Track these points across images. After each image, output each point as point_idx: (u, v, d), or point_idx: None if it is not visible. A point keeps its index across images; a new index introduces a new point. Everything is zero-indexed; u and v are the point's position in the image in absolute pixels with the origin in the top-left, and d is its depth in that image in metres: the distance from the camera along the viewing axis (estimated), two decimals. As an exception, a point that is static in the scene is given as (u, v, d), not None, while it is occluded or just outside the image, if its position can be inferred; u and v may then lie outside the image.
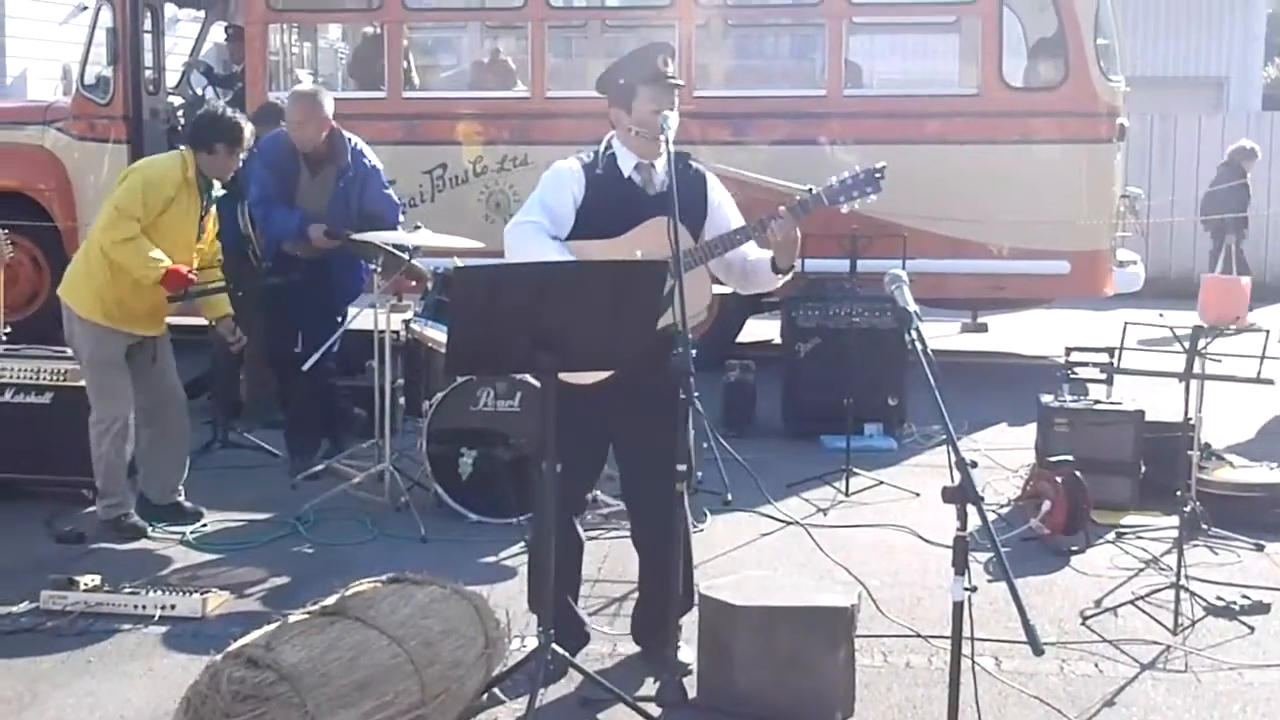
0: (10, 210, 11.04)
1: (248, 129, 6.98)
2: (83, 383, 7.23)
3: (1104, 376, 7.90)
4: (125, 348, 6.90)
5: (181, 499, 7.18)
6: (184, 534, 6.91)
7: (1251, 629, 5.72)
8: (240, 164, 7.17)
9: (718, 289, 5.45)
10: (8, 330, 7.81)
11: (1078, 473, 6.85)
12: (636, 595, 5.46)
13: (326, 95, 7.98)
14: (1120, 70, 11.32)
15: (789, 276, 5.16)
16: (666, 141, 4.88)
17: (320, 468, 7.79)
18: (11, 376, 7.40)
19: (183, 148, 7.04)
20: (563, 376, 4.77)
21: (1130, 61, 13.36)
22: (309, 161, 7.94)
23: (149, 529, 6.90)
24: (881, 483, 7.94)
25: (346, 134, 7.98)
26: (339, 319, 7.94)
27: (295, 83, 12.56)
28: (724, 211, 5.20)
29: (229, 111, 7.09)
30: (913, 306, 4.30)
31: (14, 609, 5.78)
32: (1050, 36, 11.18)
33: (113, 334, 6.85)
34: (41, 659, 5.32)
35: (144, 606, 5.73)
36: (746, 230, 5.04)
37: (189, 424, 7.29)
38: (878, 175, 5.00)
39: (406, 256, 7.52)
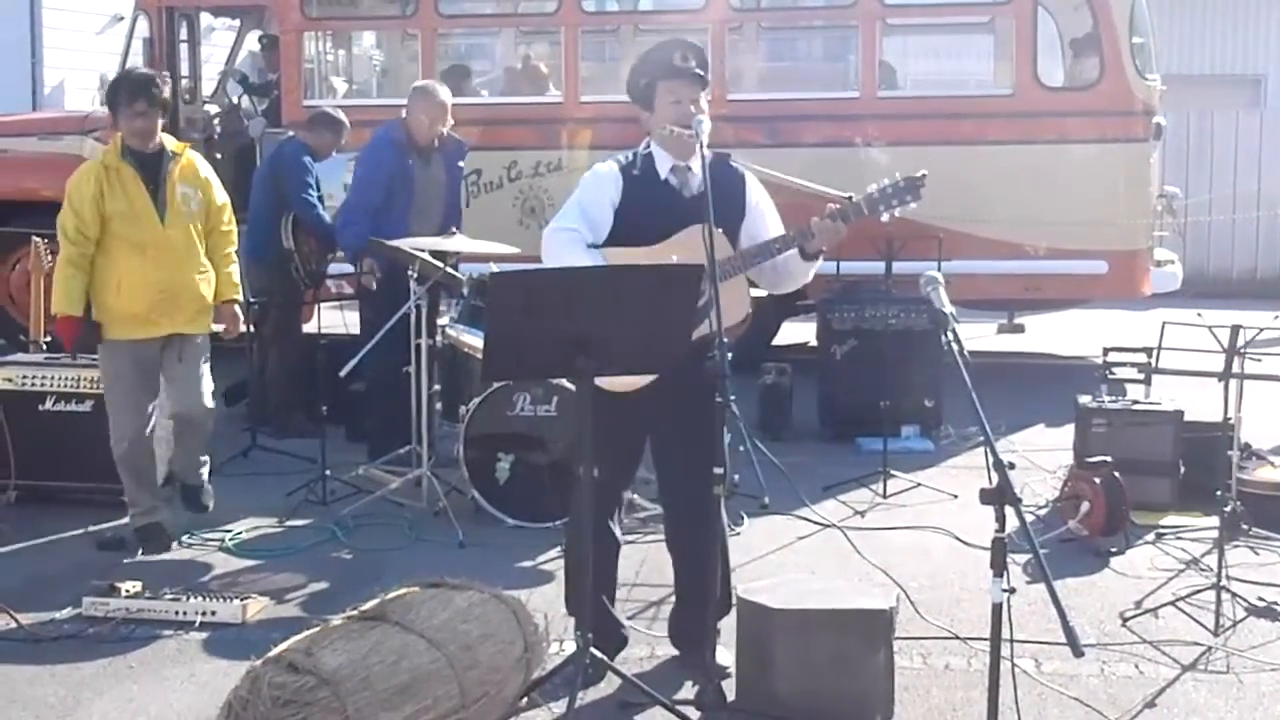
0: (49, 220, 11.07)
1: (144, 87, 6.63)
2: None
3: (1142, 376, 7.87)
4: (138, 360, 6.72)
5: (204, 484, 7.17)
6: (223, 540, 6.95)
7: (1293, 629, 5.69)
8: (148, 122, 6.67)
9: (753, 293, 5.45)
10: (47, 339, 7.87)
11: (1116, 473, 6.82)
12: (674, 599, 5.47)
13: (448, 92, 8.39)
14: (1156, 69, 11.26)
15: (819, 262, 5.13)
16: (701, 145, 4.87)
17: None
18: (52, 385, 7.46)
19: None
20: (600, 382, 4.79)
21: (1166, 60, 13.30)
22: (419, 152, 8.27)
23: (177, 540, 6.92)
24: (919, 485, 7.93)
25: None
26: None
27: (330, 91, 12.66)
28: (761, 213, 5.18)
29: (133, 70, 7.00)
30: (949, 308, 4.29)
31: (57, 615, 5.83)
32: (1085, 36, 11.14)
33: (114, 345, 6.71)
34: (84, 665, 5.37)
35: (185, 612, 5.78)
36: (786, 239, 5.01)
37: (206, 435, 7.14)
38: (918, 183, 4.96)
39: (442, 264, 7.56)
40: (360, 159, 8.59)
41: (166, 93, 6.73)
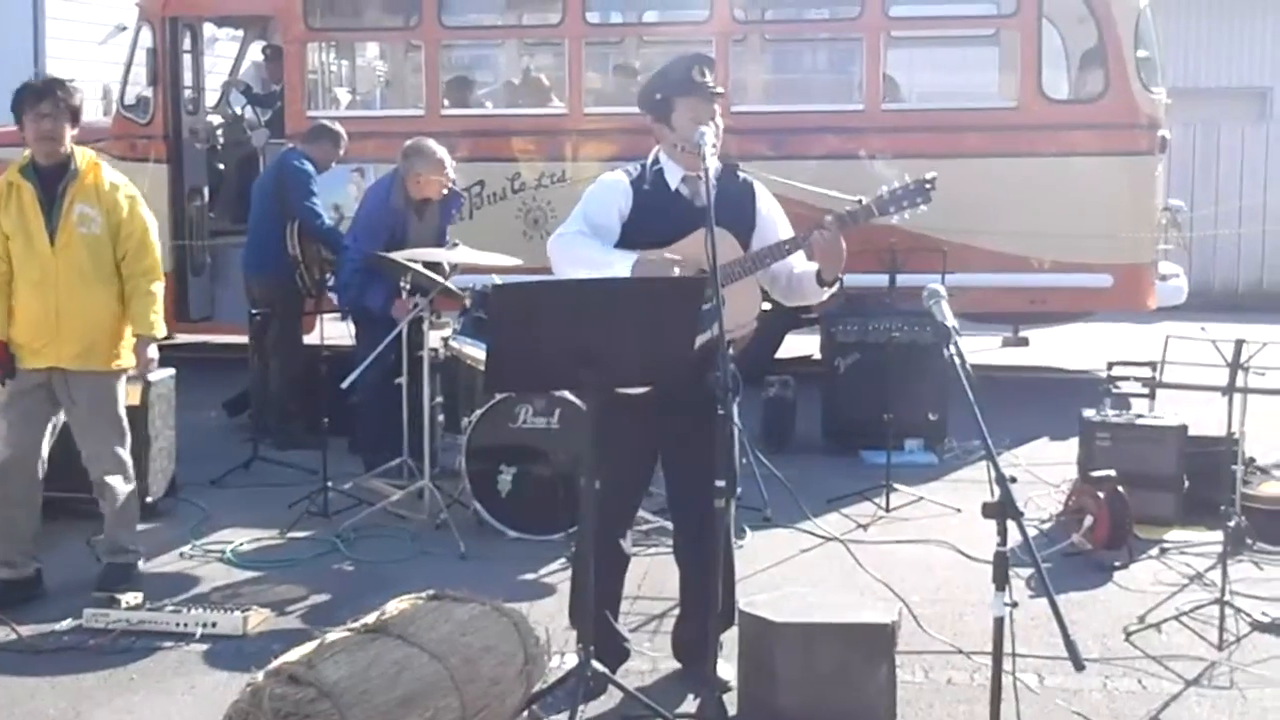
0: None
1: (50, 89, 6.16)
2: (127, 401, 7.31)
3: (1146, 390, 7.85)
4: (20, 388, 6.21)
5: (121, 563, 6.48)
6: (224, 552, 6.94)
7: (1298, 645, 5.67)
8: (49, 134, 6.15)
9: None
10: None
11: (1120, 487, 6.81)
12: (677, 612, 5.46)
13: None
14: (1161, 82, 11.26)
15: (834, 289, 5.13)
16: (704, 159, 4.86)
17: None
18: (55, 396, 7.43)
19: None
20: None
21: (1171, 73, 13.29)
22: (415, 208, 8.26)
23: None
24: (922, 498, 7.91)
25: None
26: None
27: (334, 101, 12.67)
28: (772, 222, 5.18)
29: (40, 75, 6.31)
30: (952, 321, 4.28)
31: (57, 626, 5.83)
32: (1090, 49, 11.14)
33: (15, 370, 6.22)
34: (84, 676, 5.36)
35: (185, 624, 5.77)
36: (794, 241, 5.01)
37: (120, 501, 6.43)
38: (927, 186, 4.96)
39: (442, 278, 7.56)
40: (358, 216, 8.64)
41: (77, 100, 6.24)
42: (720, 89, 5.11)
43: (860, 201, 4.97)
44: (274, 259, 9.13)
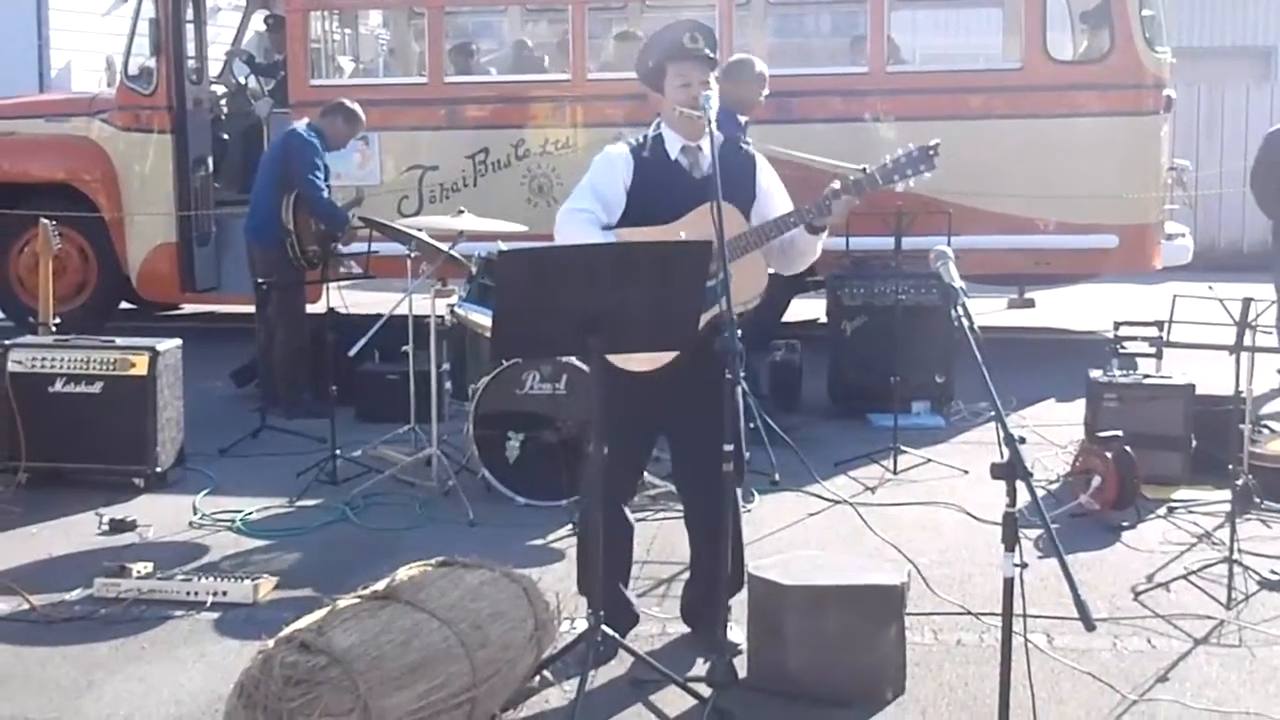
0: (57, 202, 11.14)
1: None
2: (133, 372, 7.34)
3: (1153, 350, 7.85)
4: None
5: None
6: (234, 521, 6.95)
7: (1306, 602, 5.67)
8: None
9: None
10: (57, 321, 7.89)
11: (1128, 448, 6.81)
12: (686, 576, 5.47)
13: None
14: (1166, 41, 11.21)
15: (825, 236, 5.09)
16: (709, 123, 4.84)
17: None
18: (62, 366, 7.46)
19: None
20: (617, 362, 4.78)
21: (1176, 32, 13.23)
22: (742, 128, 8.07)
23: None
24: (930, 460, 7.92)
25: None
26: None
27: (337, 70, 12.65)
28: (770, 196, 5.14)
29: None
30: (958, 283, 4.27)
31: (68, 596, 5.84)
32: (1094, 8, 11.09)
33: None
34: (96, 646, 5.37)
35: (196, 593, 5.78)
36: (799, 214, 4.96)
37: None
38: (931, 153, 4.92)
39: (447, 247, 7.55)
40: None
41: None
42: (712, 53, 5.06)
43: (864, 170, 4.94)
44: (274, 230, 9.11)
